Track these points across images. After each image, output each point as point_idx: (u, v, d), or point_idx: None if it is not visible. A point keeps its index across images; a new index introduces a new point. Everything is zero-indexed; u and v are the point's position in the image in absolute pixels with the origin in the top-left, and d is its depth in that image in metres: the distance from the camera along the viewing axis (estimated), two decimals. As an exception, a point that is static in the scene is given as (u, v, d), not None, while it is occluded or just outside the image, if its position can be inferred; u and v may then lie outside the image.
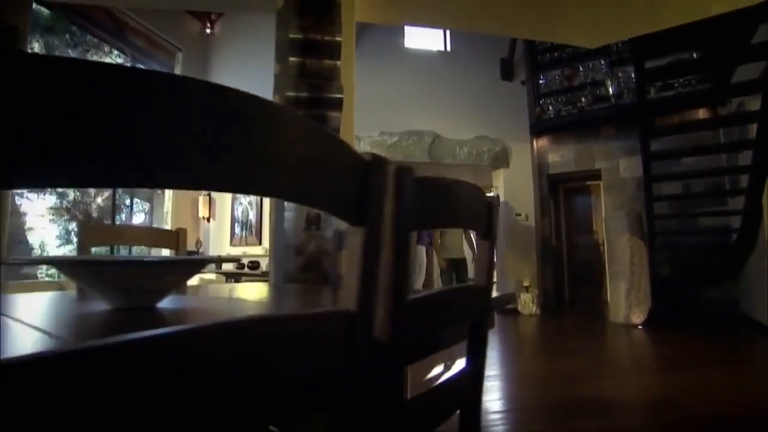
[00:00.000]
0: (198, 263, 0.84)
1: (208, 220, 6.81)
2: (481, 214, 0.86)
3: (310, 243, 2.00)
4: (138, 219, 10.77)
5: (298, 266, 1.98)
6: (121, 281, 0.75)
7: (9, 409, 0.22)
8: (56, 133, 0.23)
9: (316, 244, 1.99)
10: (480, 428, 0.93)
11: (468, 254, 5.06)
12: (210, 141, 0.31)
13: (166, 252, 1.56)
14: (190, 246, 6.89)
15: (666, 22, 2.82)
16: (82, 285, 0.79)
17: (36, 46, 6.98)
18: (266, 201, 5.98)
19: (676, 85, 4.98)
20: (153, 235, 1.56)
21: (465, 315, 0.85)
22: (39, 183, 0.23)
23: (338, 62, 2.13)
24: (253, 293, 1.14)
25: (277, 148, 0.39)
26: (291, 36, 2.08)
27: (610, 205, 5.92)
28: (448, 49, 6.22)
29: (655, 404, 2.25)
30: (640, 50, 4.37)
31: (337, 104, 2.04)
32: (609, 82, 5.57)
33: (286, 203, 2.02)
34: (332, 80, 2.11)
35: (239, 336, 0.36)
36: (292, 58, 2.09)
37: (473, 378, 0.91)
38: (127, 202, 11.31)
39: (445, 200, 0.70)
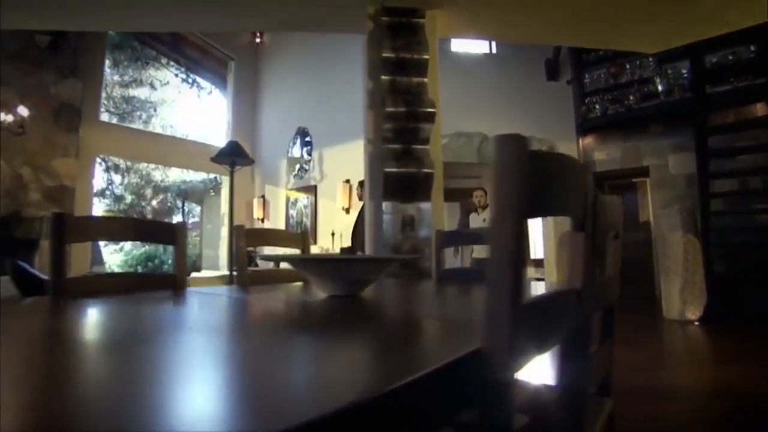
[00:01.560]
0: (393, 261, 1.08)
1: (263, 220, 7.20)
2: (620, 220, 1.08)
3: (406, 242, 2.23)
4: (191, 219, 11.35)
5: (396, 263, 2.22)
6: (349, 274, 0.99)
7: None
8: (543, 187, 0.46)
9: (412, 243, 2.23)
10: (611, 394, 1.14)
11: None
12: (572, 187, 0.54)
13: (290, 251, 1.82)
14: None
15: (730, 25, 2.90)
16: (310, 277, 1.04)
17: (107, 63, 7.53)
18: (321, 203, 6.30)
19: (731, 79, 4.95)
20: (286, 237, 1.83)
21: (611, 297, 1.06)
22: (540, 215, 0.46)
23: (425, 79, 2.36)
24: (405, 286, 1.39)
25: (577, 186, 0.61)
26: (384, 55, 2.32)
27: (659, 202, 5.92)
28: (494, 51, 6.36)
29: (716, 392, 2.37)
30: (698, 47, 4.39)
31: (430, 117, 2.27)
32: (658, 79, 5.57)
33: (384, 206, 2.26)
34: (420, 95, 2.34)
35: (558, 300, 0.59)
36: (384, 77, 2.33)
37: (609, 352, 1.12)
38: (179, 204, 11.90)
39: (611, 211, 0.92)
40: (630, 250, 6.98)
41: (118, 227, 1.35)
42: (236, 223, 7.13)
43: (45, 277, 1.82)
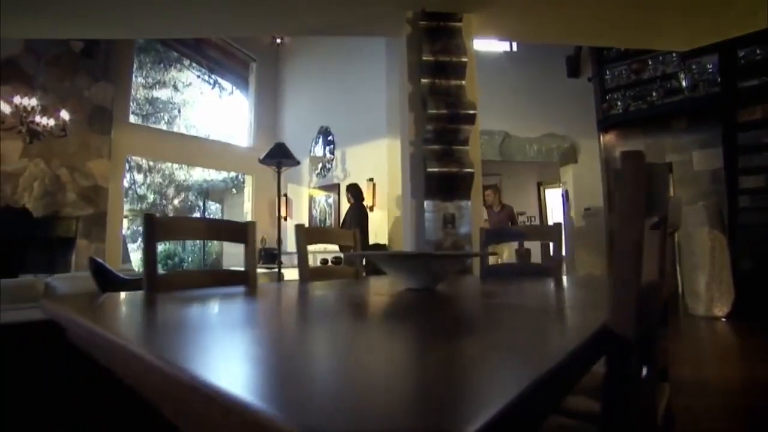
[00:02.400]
0: (469, 255, 1.17)
1: (285, 219, 7.34)
2: (679, 217, 1.16)
3: (447, 239, 2.32)
4: (211, 217, 11.57)
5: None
6: (432, 268, 1.09)
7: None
8: (653, 192, 0.55)
9: (453, 240, 2.32)
10: (668, 377, 1.23)
11: None
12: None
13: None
14: (271, 244, 7.46)
15: (762, 23, 2.91)
16: (391, 271, 1.14)
17: (134, 66, 7.72)
18: (344, 202, 6.42)
19: (760, 75, 4.92)
20: (340, 234, 1.94)
21: (669, 290, 1.15)
22: (649, 216, 0.55)
23: (463, 81, 2.44)
24: (466, 282, 1.48)
25: (666, 188, 0.70)
26: (424, 59, 2.40)
27: (682, 198, 5.90)
28: (514, 49, 6.39)
29: (746, 388, 2.40)
30: (728, 42, 4.39)
31: (471, 119, 2.35)
32: (682, 75, 5.55)
33: (425, 204, 2.35)
34: (459, 97, 2.42)
35: (652, 287, 0.68)
36: (424, 80, 2.42)
37: (666, 341, 1.20)
38: (200, 203, 12.11)
39: (675, 209, 1.01)
40: (651, 247, 6.98)
41: (197, 227, 1.47)
42: (257, 220, 7.29)
43: (119, 273, 1.95)
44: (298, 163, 2.54)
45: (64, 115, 4.46)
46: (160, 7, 3.36)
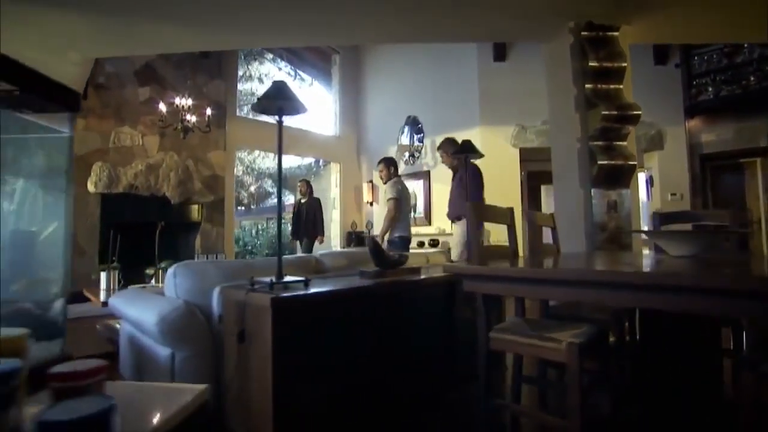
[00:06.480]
0: (731, 232, 1.57)
1: (371, 204, 7.86)
2: None
3: (610, 222, 2.71)
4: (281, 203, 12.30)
5: (602, 239, 2.72)
6: (701, 241, 1.50)
7: None
8: None
9: (615, 223, 2.70)
10: None
11: None
12: None
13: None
14: (361, 227, 8.03)
15: None
16: (664, 243, 1.56)
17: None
18: (434, 188, 6.86)
19: None
20: (548, 218, 2.36)
21: None
22: None
23: (621, 85, 2.78)
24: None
25: None
26: (590, 65, 2.75)
27: (777, 183, 5.96)
28: (603, 37, 6.52)
29: None
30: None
31: (635, 119, 2.70)
32: (785, 59, 5.57)
33: (592, 192, 2.74)
34: (620, 99, 2.77)
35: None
36: (588, 84, 2.78)
37: None
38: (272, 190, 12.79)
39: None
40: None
41: (493, 211, 1.94)
42: (345, 206, 7.86)
43: (389, 251, 2.45)
44: (482, 155, 2.96)
45: (208, 111, 5.07)
46: (277, 17, 3.52)
